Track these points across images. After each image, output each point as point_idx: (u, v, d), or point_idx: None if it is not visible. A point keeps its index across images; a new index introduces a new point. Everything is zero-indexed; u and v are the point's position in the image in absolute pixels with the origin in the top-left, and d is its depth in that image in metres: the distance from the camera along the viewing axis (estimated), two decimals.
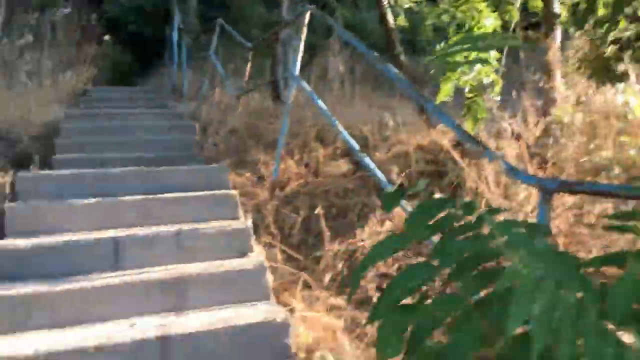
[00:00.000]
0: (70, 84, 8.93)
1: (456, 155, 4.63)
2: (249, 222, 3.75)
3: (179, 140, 5.92)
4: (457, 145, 4.87)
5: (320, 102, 4.28)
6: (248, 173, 5.00)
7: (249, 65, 5.55)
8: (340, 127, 3.97)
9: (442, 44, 4.49)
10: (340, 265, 3.78)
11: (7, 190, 4.07)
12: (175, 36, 8.72)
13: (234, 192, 4.08)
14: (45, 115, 6.60)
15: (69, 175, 4.08)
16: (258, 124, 6.36)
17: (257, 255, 3.59)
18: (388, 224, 4.08)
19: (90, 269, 3.17)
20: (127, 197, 3.78)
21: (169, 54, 9.78)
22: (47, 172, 4.23)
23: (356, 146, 3.80)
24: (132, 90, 8.92)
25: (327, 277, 3.66)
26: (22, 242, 3.24)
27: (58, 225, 3.55)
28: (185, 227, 3.64)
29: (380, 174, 3.46)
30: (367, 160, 3.65)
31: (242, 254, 3.56)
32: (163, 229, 3.61)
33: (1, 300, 2.81)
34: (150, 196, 3.84)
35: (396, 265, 3.61)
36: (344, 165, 5.22)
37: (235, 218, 3.95)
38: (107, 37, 12.19)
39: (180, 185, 4.25)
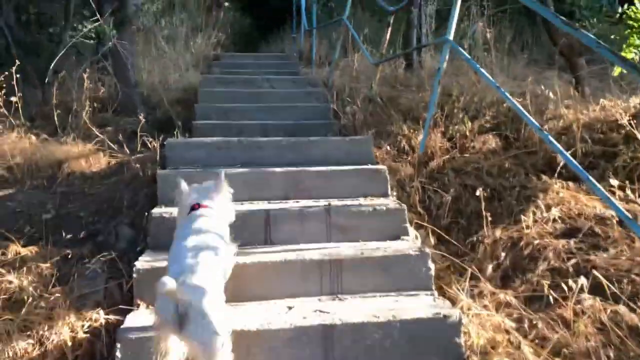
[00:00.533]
0: (202, 49, 9.05)
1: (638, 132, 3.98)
2: (403, 205, 3.43)
3: (314, 108, 5.70)
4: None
5: (482, 70, 3.81)
6: (387, 146, 4.67)
7: (389, 30, 5.15)
8: (508, 96, 3.48)
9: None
10: (502, 255, 3.36)
11: (157, 156, 4.04)
12: (303, 0, 8.47)
13: (383, 167, 3.77)
14: (182, 80, 6.66)
15: (216, 143, 3.98)
16: (395, 93, 5.99)
17: (413, 239, 3.27)
18: (555, 211, 3.58)
19: (243, 242, 3.03)
20: (275, 169, 3.59)
21: (294, 19, 9.58)
22: (194, 139, 4.18)
23: (531, 119, 3.30)
24: (260, 56, 8.86)
25: (488, 268, 3.27)
26: (175, 211, 3.16)
27: None
28: (335, 202, 3.39)
29: (568, 156, 2.95)
30: (550, 137, 3.15)
31: (396, 236, 3.26)
32: (312, 203, 3.39)
33: (156, 272, 2.73)
34: (299, 168, 3.63)
35: (573, 261, 3.14)
36: (492, 140, 4.73)
37: (385, 195, 3.65)
38: (226, 4, 12.20)
39: (324, 156, 4.01)
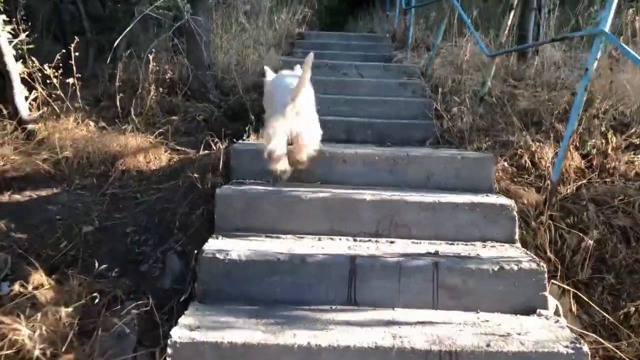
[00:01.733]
0: (285, 25, 8.21)
1: None
2: (542, 263, 2.43)
3: (409, 103, 4.72)
4: None
5: None
6: (504, 160, 3.64)
7: (510, 15, 4.05)
8: None
9: None
10: None
11: (220, 163, 3.24)
12: None
13: (509, 201, 2.76)
14: (261, 62, 5.85)
15: None
16: (509, 90, 4.89)
17: (553, 314, 2.29)
18: None
19: (319, 299, 2.19)
20: (365, 194, 2.69)
21: None
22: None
23: None
24: (348, 36, 7.88)
25: None
26: (235, 248, 2.35)
27: (278, 225, 2.62)
28: (444, 249, 2.47)
29: None
30: None
31: (529, 308, 2.29)
32: (413, 249, 2.48)
33: (197, 349, 1.95)
34: (395, 195, 2.71)
35: None
36: None
37: (511, 241, 2.66)
38: None
39: (427, 177, 3.06)
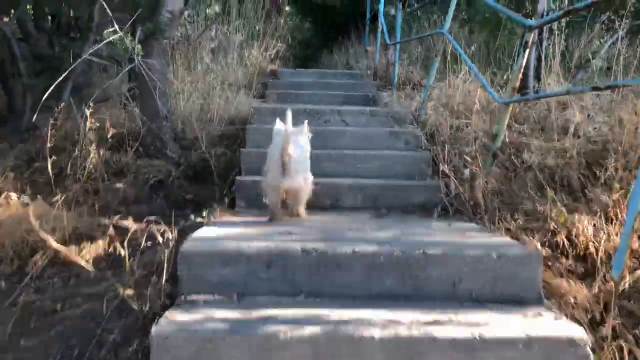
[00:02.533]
0: (257, 62, 7.42)
1: None
2: None
3: (404, 158, 3.93)
4: None
5: None
6: (528, 234, 2.84)
7: (525, 54, 3.29)
8: None
9: None
10: None
11: (167, 266, 2.31)
12: (381, 6, 6.67)
13: (580, 333, 1.90)
14: (228, 107, 5.00)
15: (263, 254, 2.21)
16: (514, 138, 4.12)
17: None
18: None
19: None
20: (373, 332, 1.80)
21: (366, 27, 7.77)
22: (223, 247, 2.28)
23: None
24: (325, 74, 7.09)
25: None
26: None
27: None
28: None
29: None
30: None
31: None
32: None
33: None
34: (415, 333, 1.84)
35: None
36: None
37: None
38: (287, 8, 10.44)
39: (452, 283, 2.20)
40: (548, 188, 3.08)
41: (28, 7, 4.98)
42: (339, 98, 5.64)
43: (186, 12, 5.67)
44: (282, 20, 8.47)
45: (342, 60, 10.39)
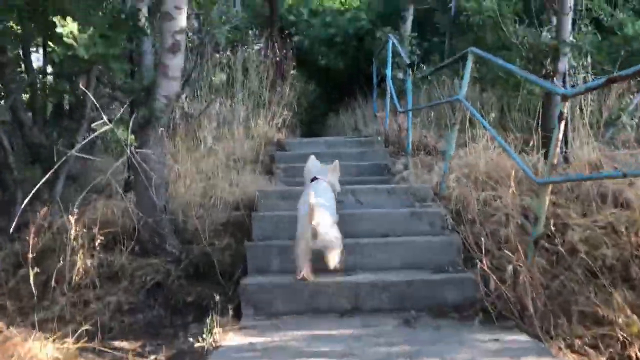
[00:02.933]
0: (264, 132, 7.12)
1: None
2: None
3: (431, 243, 3.50)
4: None
5: None
6: (597, 351, 2.34)
7: (560, 127, 2.88)
8: None
9: None
10: None
11: None
12: (388, 71, 6.39)
13: None
14: (233, 190, 4.60)
15: None
16: (556, 212, 3.66)
17: None
18: None
19: None
20: None
21: (374, 90, 7.48)
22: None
23: None
24: (334, 142, 6.72)
25: None
26: None
27: None
28: None
29: None
30: None
31: None
32: None
33: None
34: None
35: None
36: None
37: None
38: (293, 72, 10.24)
39: None
40: (611, 287, 2.58)
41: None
42: (351, 169, 5.27)
43: (184, 95, 5.38)
44: (287, 88, 8.22)
45: (349, 122, 10.13)
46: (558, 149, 3.00)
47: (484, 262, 2.93)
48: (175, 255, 3.78)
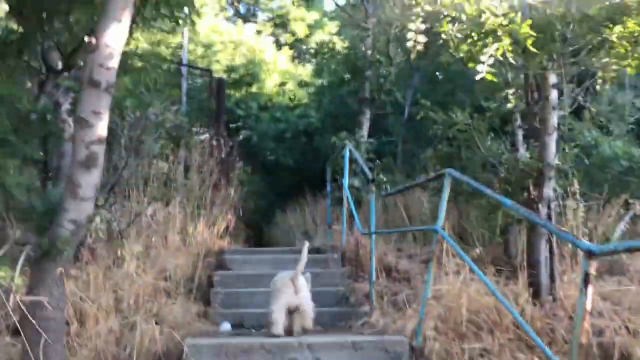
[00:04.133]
0: (203, 240, 6.20)
1: None
2: None
3: None
4: None
5: None
6: None
7: (587, 290, 2.18)
8: None
9: None
10: None
11: None
12: (345, 180, 5.74)
13: None
14: (155, 335, 3.57)
15: None
16: None
17: None
18: None
19: None
20: None
21: (328, 196, 6.76)
22: None
23: None
24: (282, 259, 5.75)
25: None
26: None
27: None
28: None
29: None
30: None
31: None
32: None
33: None
34: None
35: None
36: None
37: None
38: (239, 171, 9.43)
39: None
40: None
41: None
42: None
43: (98, 218, 4.43)
44: (232, 190, 7.41)
45: (298, 223, 9.35)
46: (587, 324, 2.28)
47: None
48: None
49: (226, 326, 4.25)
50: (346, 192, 5.69)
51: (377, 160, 7.07)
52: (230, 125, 11.92)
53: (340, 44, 11.43)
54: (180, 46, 12.62)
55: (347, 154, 5.85)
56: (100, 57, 2.97)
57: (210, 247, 6.24)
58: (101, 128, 3.00)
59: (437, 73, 9.97)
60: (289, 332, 3.53)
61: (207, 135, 9.15)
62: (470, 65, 3.47)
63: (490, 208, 4.46)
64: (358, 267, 5.43)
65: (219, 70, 13.39)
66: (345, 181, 5.79)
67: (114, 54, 3.01)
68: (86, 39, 2.91)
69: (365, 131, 7.80)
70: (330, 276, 5.10)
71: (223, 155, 8.61)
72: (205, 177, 7.39)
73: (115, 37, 3.01)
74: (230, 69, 13.54)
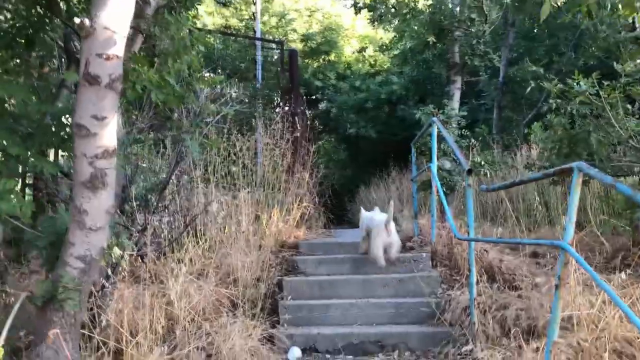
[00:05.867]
0: (277, 230, 5.55)
1: None
2: None
3: None
4: None
5: None
6: None
7: None
8: None
9: None
10: None
11: None
12: (433, 165, 4.72)
13: None
14: None
15: None
16: None
17: None
18: None
19: None
20: None
21: (414, 194, 5.74)
22: None
23: None
24: (363, 259, 4.92)
25: None
26: None
27: None
28: None
29: None
30: None
31: None
32: None
33: None
34: None
35: None
36: None
37: None
38: (317, 145, 8.55)
39: None
40: None
41: None
42: (383, 310, 3.59)
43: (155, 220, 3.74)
44: (306, 175, 6.62)
45: (382, 200, 8.42)
46: None
47: None
48: None
49: (296, 353, 3.54)
50: (435, 181, 4.67)
51: (472, 139, 5.88)
52: (309, 98, 11.10)
53: (422, 2, 10.13)
54: (252, 17, 11.89)
55: (435, 133, 4.80)
56: (98, 44, 2.20)
57: (284, 240, 5.57)
58: (107, 137, 2.27)
59: (534, 29, 8.46)
60: (386, 259, 4.40)
61: (279, 113, 8.35)
62: (625, 12, 2.32)
63: (628, 203, 3.30)
64: (451, 268, 4.49)
65: (295, 40, 12.55)
66: (434, 166, 4.76)
67: (115, 38, 2.23)
68: (76, 20, 2.14)
69: (456, 103, 6.60)
70: (419, 282, 4.17)
71: (298, 134, 7.77)
72: (277, 161, 6.65)
73: (117, 16, 2.23)
74: (306, 38, 12.66)
